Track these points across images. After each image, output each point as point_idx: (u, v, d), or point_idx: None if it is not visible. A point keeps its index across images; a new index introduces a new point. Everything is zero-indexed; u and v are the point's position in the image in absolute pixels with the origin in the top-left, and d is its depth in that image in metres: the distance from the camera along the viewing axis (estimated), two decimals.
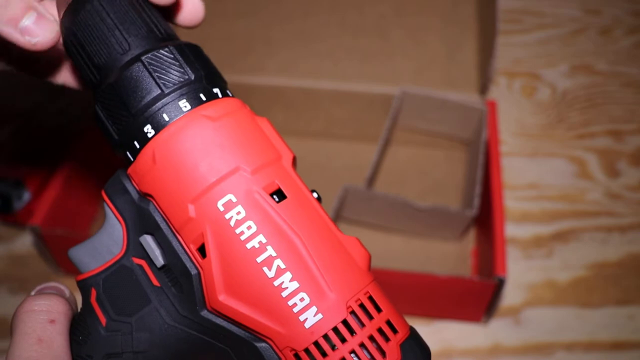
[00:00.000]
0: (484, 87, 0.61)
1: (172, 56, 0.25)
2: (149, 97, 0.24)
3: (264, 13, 0.70)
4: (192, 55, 0.26)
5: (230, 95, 0.26)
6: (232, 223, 0.22)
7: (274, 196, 0.24)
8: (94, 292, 0.25)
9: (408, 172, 0.64)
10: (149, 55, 0.25)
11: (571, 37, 0.76)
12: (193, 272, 0.23)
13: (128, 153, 0.25)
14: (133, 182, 0.25)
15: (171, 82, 0.24)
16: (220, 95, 0.25)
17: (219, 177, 0.23)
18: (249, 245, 0.22)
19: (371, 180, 0.58)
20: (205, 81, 0.25)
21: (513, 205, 0.62)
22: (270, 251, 0.22)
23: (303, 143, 0.66)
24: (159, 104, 0.24)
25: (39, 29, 0.27)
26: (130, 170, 0.25)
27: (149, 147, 0.24)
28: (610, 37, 0.76)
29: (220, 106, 0.24)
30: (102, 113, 0.25)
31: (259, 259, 0.22)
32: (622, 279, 0.57)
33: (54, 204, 0.55)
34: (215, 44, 0.66)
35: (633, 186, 0.63)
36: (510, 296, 0.55)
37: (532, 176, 0.64)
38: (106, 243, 0.26)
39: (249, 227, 0.22)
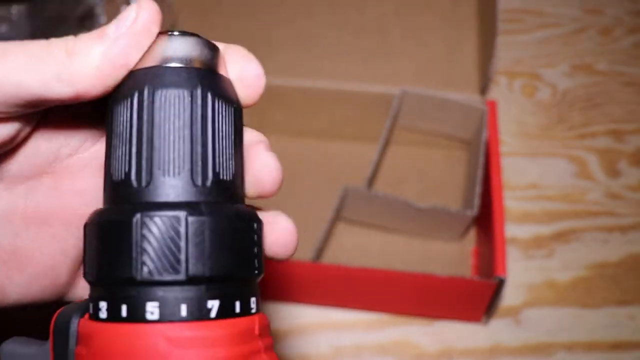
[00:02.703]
0: (484, 87, 0.61)
1: (178, 234, 0.18)
2: (116, 273, 0.18)
3: (264, 13, 0.70)
4: (214, 239, 0.18)
5: (239, 312, 0.19)
6: None
7: None
8: None
9: (408, 172, 0.64)
10: (151, 216, 0.18)
11: (571, 36, 0.76)
12: None
13: (90, 303, 0.20)
14: (78, 336, 0.20)
15: (154, 269, 0.18)
16: (213, 315, 0.18)
17: None
18: None
19: (371, 180, 0.58)
20: (204, 287, 0.18)
21: (513, 206, 0.62)
22: None
23: (303, 143, 0.66)
24: (124, 290, 0.18)
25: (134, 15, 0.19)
26: (82, 323, 0.20)
27: (93, 327, 0.19)
28: (611, 37, 0.76)
29: (198, 334, 0.18)
30: (85, 238, 0.20)
31: None
32: (622, 279, 0.57)
33: None
34: None
35: (633, 186, 0.63)
36: (510, 296, 0.55)
37: (533, 176, 0.64)
38: None
39: None
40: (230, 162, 0.20)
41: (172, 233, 0.18)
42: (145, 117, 0.19)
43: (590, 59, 0.74)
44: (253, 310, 0.20)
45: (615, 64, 0.73)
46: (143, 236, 0.18)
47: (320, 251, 0.54)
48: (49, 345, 0.21)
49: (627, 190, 0.63)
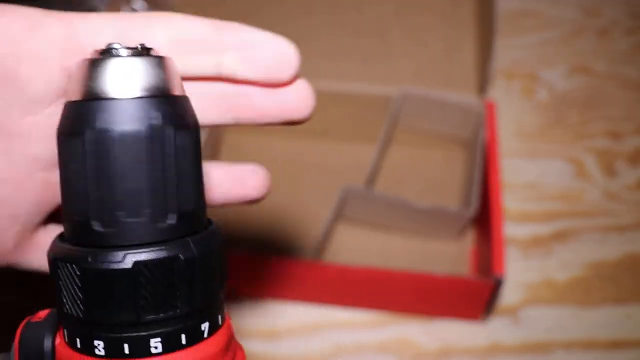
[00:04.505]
0: (483, 88, 0.61)
1: (173, 274, 0.19)
2: (118, 318, 0.19)
3: (264, 13, 0.70)
4: (203, 270, 0.20)
5: (221, 323, 0.21)
6: None
7: None
8: None
9: (407, 172, 0.64)
10: (147, 263, 0.18)
11: (570, 38, 0.77)
12: None
13: (66, 332, 0.20)
14: None
15: (154, 310, 0.19)
16: (206, 335, 0.20)
17: None
18: None
19: (371, 181, 0.58)
20: (197, 314, 0.20)
21: (512, 205, 0.62)
22: None
23: (303, 143, 0.67)
24: (125, 331, 0.19)
25: None
26: (60, 349, 0.20)
27: None
28: (609, 38, 0.76)
29: (198, 356, 0.20)
30: (60, 277, 0.19)
31: None
32: (620, 278, 0.57)
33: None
34: None
35: (631, 186, 0.63)
36: (509, 295, 0.56)
37: (531, 176, 0.65)
38: None
39: None
40: (199, 189, 0.21)
41: (168, 275, 0.19)
42: (103, 157, 0.19)
43: (589, 60, 0.74)
44: (225, 316, 0.21)
45: (614, 65, 0.74)
46: (141, 282, 0.18)
47: (320, 251, 0.54)
48: None
49: (625, 191, 0.63)
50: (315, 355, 0.53)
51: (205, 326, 0.20)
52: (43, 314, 0.21)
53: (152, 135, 0.19)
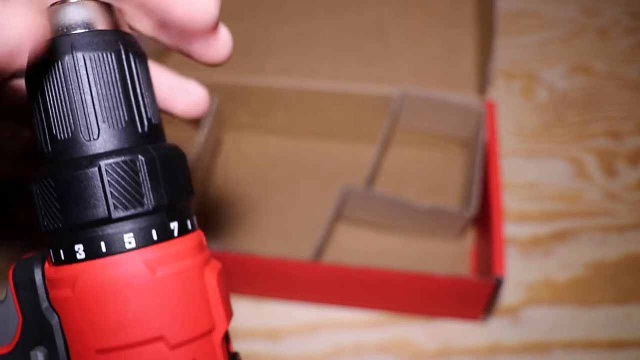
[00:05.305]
0: (482, 88, 0.61)
1: (137, 173, 0.21)
2: (91, 217, 0.21)
3: (264, 13, 0.70)
4: (164, 172, 0.22)
5: (191, 228, 0.23)
6: None
7: None
8: None
9: (407, 172, 0.64)
10: (111, 163, 0.21)
11: (570, 38, 0.77)
12: None
13: (51, 252, 0.22)
14: (46, 284, 0.22)
15: (123, 207, 0.21)
16: (176, 234, 0.22)
17: (137, 340, 0.20)
18: None
19: (371, 181, 0.58)
20: (165, 212, 0.22)
21: (512, 205, 0.62)
22: None
23: (303, 143, 0.67)
24: (100, 230, 0.21)
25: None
26: (48, 270, 0.22)
27: (73, 269, 0.21)
28: (609, 39, 0.76)
29: (170, 251, 0.21)
30: (38, 198, 0.21)
31: None
32: (619, 278, 0.57)
33: None
34: None
35: (631, 186, 0.63)
36: (509, 295, 0.56)
37: (531, 176, 0.65)
38: None
39: None
40: (156, 107, 0.23)
41: (133, 174, 0.21)
42: (81, 79, 0.21)
43: (588, 60, 0.74)
44: (196, 226, 0.24)
45: (614, 65, 0.74)
46: (109, 182, 0.21)
47: (320, 251, 0.54)
48: (11, 302, 0.23)
49: (625, 191, 0.63)
50: (315, 355, 0.53)
51: (174, 225, 0.22)
52: (31, 252, 0.23)
53: (114, 58, 0.22)
